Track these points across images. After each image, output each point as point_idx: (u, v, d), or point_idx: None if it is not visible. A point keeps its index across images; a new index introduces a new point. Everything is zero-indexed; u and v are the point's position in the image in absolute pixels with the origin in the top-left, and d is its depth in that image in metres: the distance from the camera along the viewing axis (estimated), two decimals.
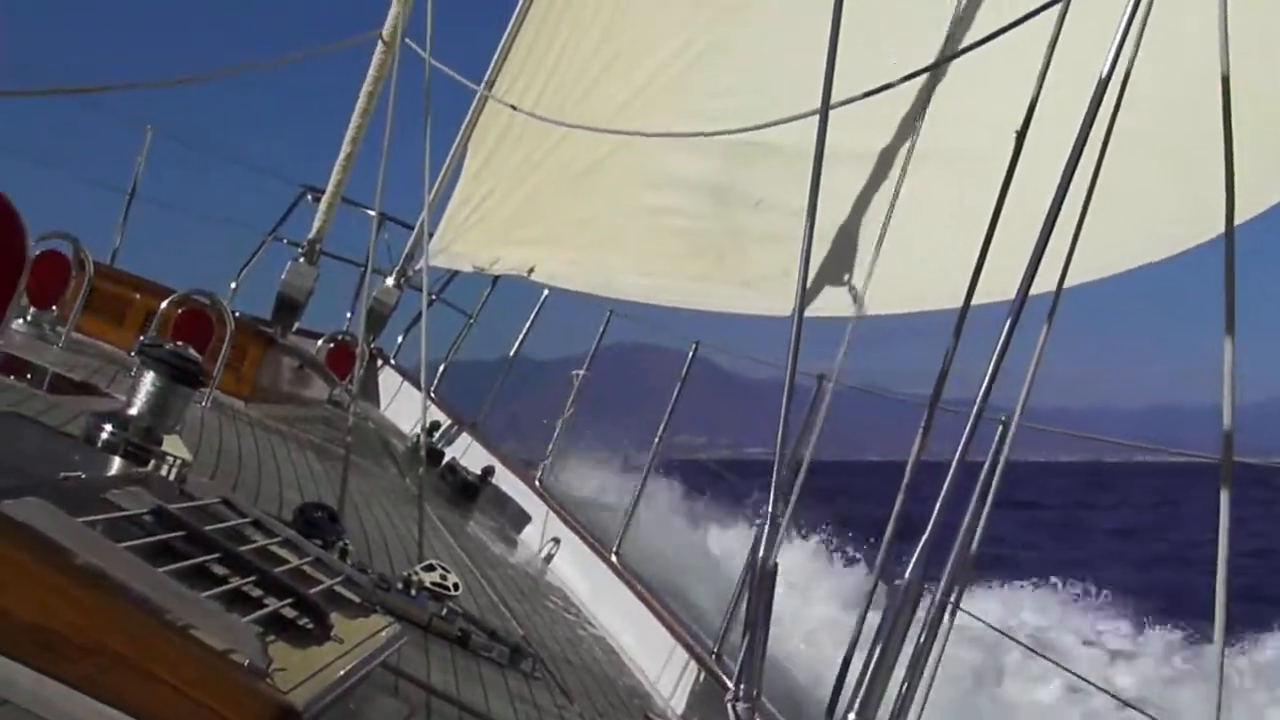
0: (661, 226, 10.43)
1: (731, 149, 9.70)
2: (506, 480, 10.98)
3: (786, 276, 9.14)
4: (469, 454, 11.34)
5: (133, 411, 4.09)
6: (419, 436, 11.16)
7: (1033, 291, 3.54)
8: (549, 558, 9.58)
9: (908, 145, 7.31)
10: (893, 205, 5.94)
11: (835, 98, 4.81)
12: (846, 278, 7.88)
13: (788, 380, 3.94)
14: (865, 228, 7.91)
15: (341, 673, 2.86)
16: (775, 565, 3.75)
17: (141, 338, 4.49)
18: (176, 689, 2.36)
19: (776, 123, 8.23)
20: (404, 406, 12.85)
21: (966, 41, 6.18)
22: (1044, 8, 4.13)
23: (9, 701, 2.31)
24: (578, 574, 9.03)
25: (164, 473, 4.05)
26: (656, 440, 9.71)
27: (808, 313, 8.50)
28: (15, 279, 2.65)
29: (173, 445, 4.17)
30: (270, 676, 2.48)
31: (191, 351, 4.19)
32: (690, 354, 9.69)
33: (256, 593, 2.90)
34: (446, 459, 10.92)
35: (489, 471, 10.83)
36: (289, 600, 2.92)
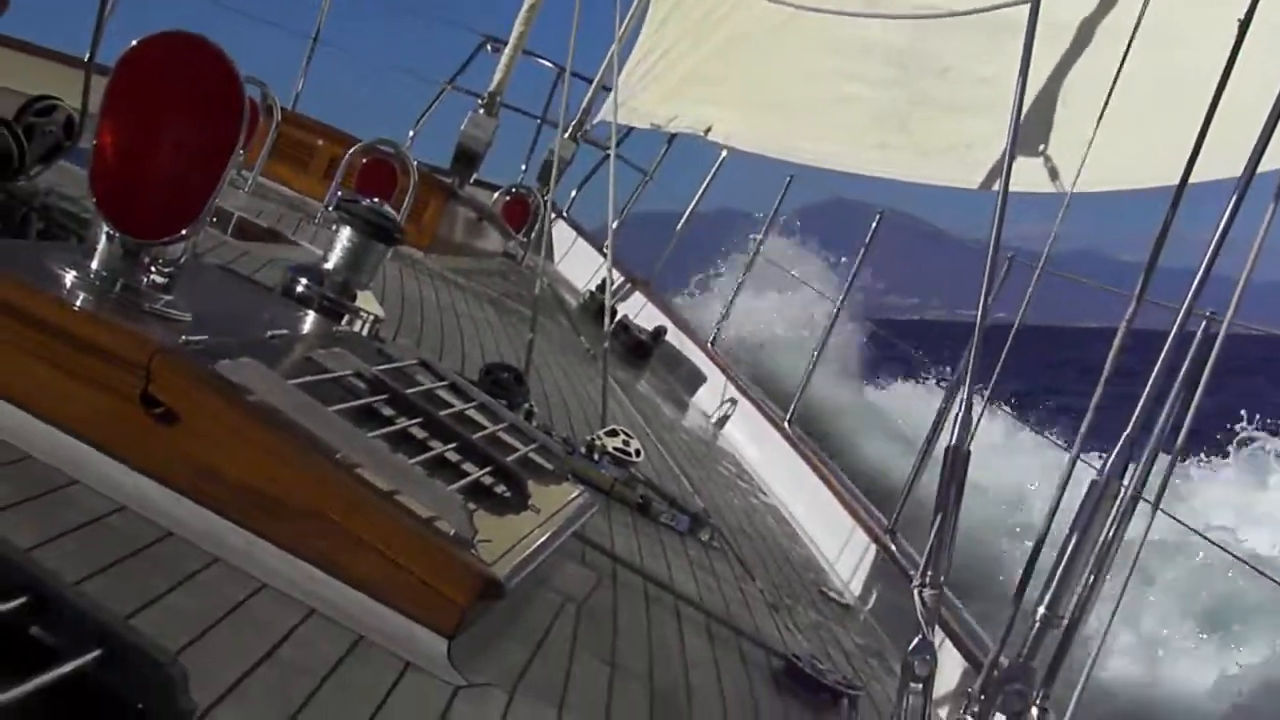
0: (843, 92, 10.25)
1: (916, 10, 9.47)
2: (678, 340, 10.96)
3: (969, 149, 8.95)
4: (641, 313, 11.33)
5: (328, 266, 4.11)
6: (592, 293, 11.20)
7: (1259, 169, 3.39)
8: (721, 422, 9.55)
9: (1115, 18, 7.07)
10: (1115, 82, 5.73)
11: None
12: (1042, 148, 7.67)
13: (989, 259, 3.81)
14: (1065, 102, 7.68)
15: (539, 543, 2.86)
16: (969, 450, 3.66)
17: (339, 192, 4.51)
18: (383, 555, 2.37)
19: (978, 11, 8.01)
20: (577, 261, 12.86)
21: None
22: None
23: (221, 560, 2.34)
24: (750, 441, 9.00)
25: (357, 328, 4.08)
26: (838, 304, 9.60)
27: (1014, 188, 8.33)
28: (237, 130, 2.64)
29: (366, 301, 4.19)
30: (474, 546, 2.48)
31: (388, 209, 4.19)
32: (874, 223, 9.53)
33: (455, 458, 2.90)
34: (619, 317, 10.92)
35: (661, 331, 10.81)
36: (489, 468, 2.93)
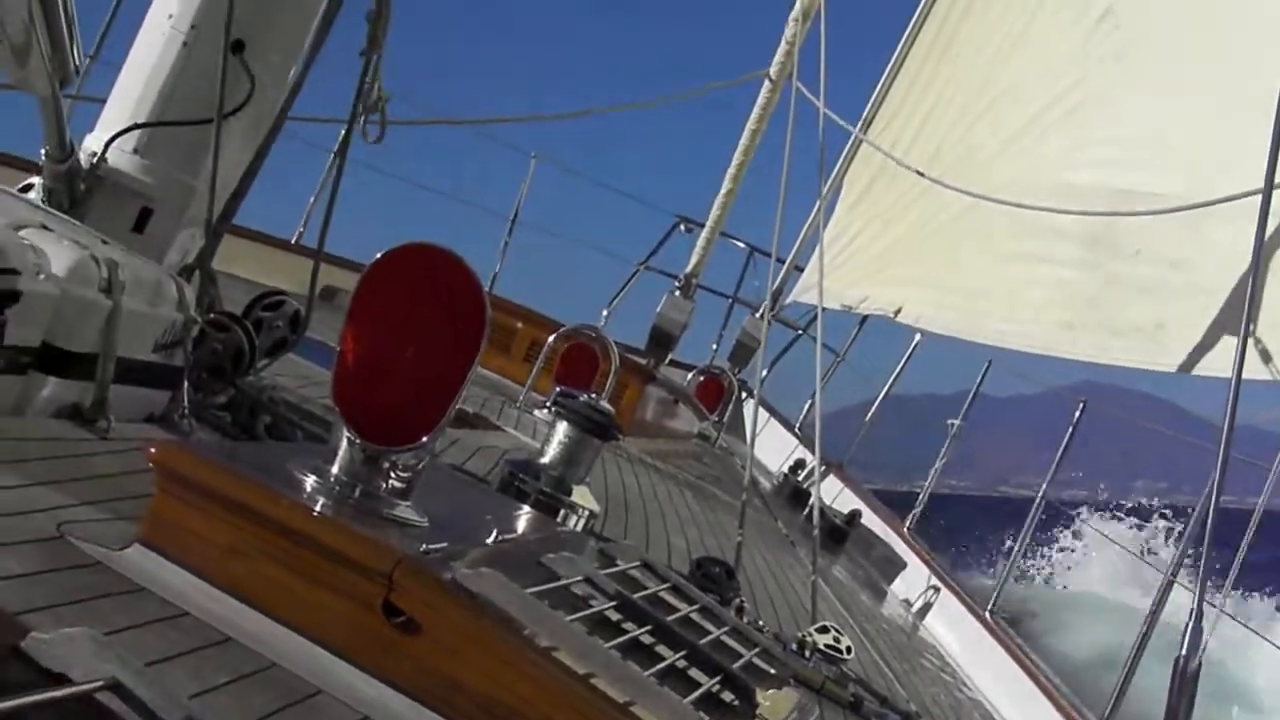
0: (1031, 273, 10.25)
1: (1109, 196, 9.47)
2: (874, 525, 10.85)
3: (1160, 329, 8.85)
4: (835, 495, 11.25)
5: (545, 460, 4.16)
6: (786, 475, 11.17)
7: None
8: (921, 611, 9.40)
9: None
10: None
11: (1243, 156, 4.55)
12: (1252, 329, 7.54)
13: (1220, 458, 3.71)
14: (1273, 285, 7.56)
15: None
16: (1199, 664, 3.53)
17: (557, 388, 4.59)
18: None
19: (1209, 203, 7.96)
20: (768, 441, 12.84)
21: None
22: None
23: None
24: (950, 631, 8.83)
25: (573, 523, 4.11)
26: (1042, 489, 9.42)
27: (1207, 372, 8.19)
28: (479, 342, 2.70)
29: (582, 496, 4.22)
30: None
31: (605, 405, 4.24)
32: (1078, 411, 9.39)
33: (683, 665, 2.87)
34: (813, 500, 10.85)
35: (856, 515, 10.72)
36: (718, 677, 2.89)
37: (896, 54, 12.89)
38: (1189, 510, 6.74)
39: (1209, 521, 3.68)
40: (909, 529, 10.88)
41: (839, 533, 10.35)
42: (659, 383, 10.32)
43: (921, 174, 10.99)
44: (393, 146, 5.25)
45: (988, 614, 8.77)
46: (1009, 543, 9.45)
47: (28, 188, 4.38)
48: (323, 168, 10.57)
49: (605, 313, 13.33)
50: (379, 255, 2.71)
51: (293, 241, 10.91)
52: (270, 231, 10.59)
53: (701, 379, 11.97)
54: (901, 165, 11.40)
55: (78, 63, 4.08)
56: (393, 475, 2.72)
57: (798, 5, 11.34)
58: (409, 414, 2.69)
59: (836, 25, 10.58)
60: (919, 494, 11.38)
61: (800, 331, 13.58)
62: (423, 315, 2.69)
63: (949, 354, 12.21)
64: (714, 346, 14.06)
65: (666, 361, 11.78)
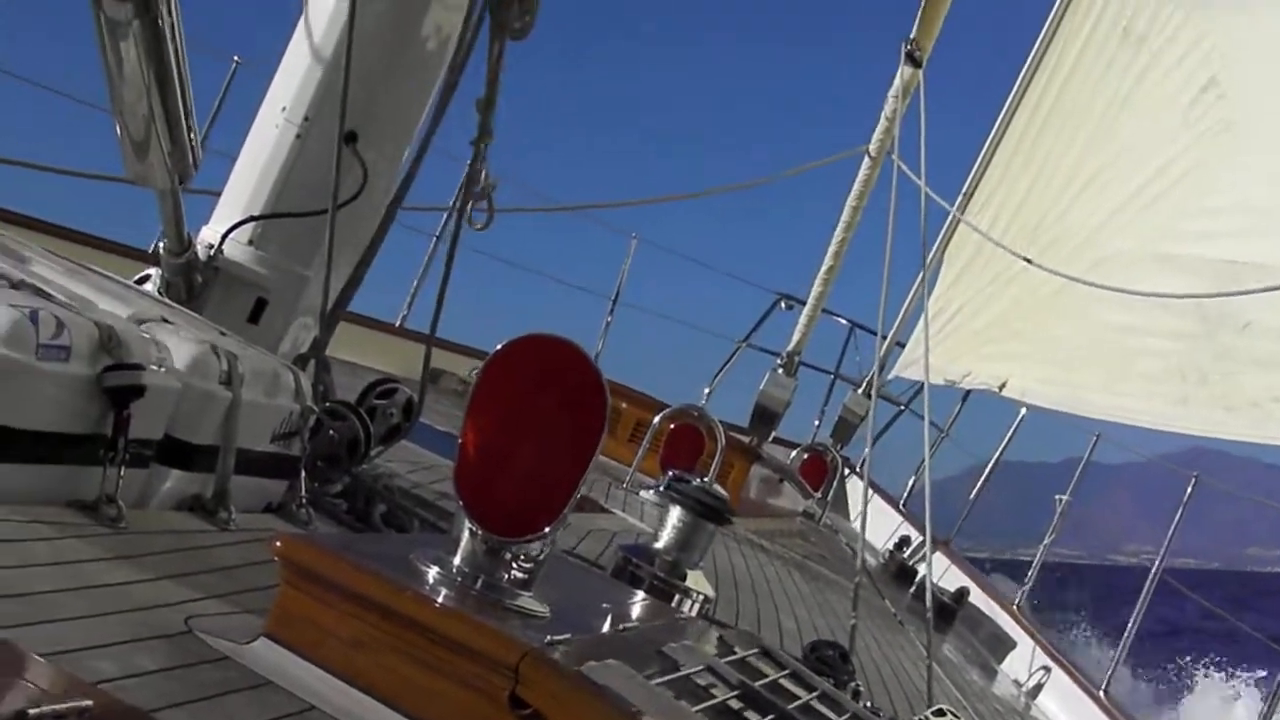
0: (1137, 346, 10.15)
1: (1217, 268, 9.36)
2: (982, 602, 10.70)
3: (1278, 403, 8.70)
4: (942, 572, 11.11)
5: (659, 545, 4.14)
6: (891, 552, 11.07)
7: None
8: (1034, 691, 9.24)
9: None
10: None
11: None
12: None
13: None
14: None
15: None
16: None
17: (669, 472, 4.58)
18: None
19: None
20: (872, 518, 12.71)
21: None
22: None
23: None
24: (1065, 711, 8.68)
25: (687, 608, 4.09)
26: (1156, 564, 9.26)
27: None
28: (600, 432, 2.70)
29: (696, 581, 4.20)
30: None
31: (718, 489, 4.22)
32: (1190, 487, 9.25)
33: None
34: (919, 577, 10.74)
35: (963, 593, 10.58)
36: None
37: (996, 128, 12.86)
38: None
39: None
40: (1018, 606, 10.73)
41: (947, 611, 10.22)
42: (764, 461, 10.31)
43: (1030, 261, 10.90)
44: (493, 228, 5.31)
45: (1103, 693, 8.61)
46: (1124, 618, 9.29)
47: (144, 279, 4.46)
48: (422, 250, 10.68)
49: (707, 391, 13.31)
50: (499, 346, 2.72)
51: (397, 325, 11.00)
52: (370, 314, 10.68)
53: (805, 456, 11.90)
54: (1005, 250, 11.33)
55: (197, 158, 4.16)
56: (515, 566, 2.71)
57: (897, 81, 11.37)
58: (531, 505, 2.69)
59: (935, 98, 10.59)
60: (1028, 562, 11.22)
61: (903, 407, 13.49)
62: (544, 406, 2.69)
63: (1055, 422, 12.08)
64: (816, 423, 14.00)
65: (770, 439, 11.75)
